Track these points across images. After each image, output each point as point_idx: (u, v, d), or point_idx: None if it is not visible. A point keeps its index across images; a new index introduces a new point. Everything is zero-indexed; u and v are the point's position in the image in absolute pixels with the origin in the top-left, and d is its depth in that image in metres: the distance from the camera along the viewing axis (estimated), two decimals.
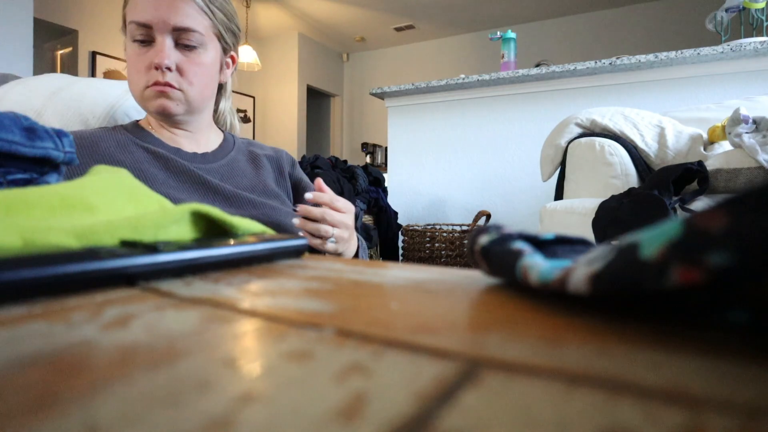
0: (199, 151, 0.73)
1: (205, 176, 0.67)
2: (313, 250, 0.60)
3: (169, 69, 0.64)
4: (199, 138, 0.75)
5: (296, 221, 0.58)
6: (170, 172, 0.65)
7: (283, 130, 5.78)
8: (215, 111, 0.81)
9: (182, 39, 0.64)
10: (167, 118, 0.68)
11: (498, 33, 2.45)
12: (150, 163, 0.65)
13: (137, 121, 0.74)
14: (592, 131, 1.45)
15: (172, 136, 0.72)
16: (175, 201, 0.61)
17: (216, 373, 0.10)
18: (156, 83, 0.64)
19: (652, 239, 0.12)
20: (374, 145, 5.62)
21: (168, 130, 0.72)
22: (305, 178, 0.86)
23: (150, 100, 0.65)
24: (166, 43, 0.63)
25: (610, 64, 1.95)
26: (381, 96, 2.56)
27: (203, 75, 0.68)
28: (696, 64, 1.87)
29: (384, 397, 0.09)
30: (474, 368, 0.11)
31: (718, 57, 1.80)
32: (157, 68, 0.63)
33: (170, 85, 0.65)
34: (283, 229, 0.67)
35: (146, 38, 0.63)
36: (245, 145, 0.82)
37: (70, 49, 4.28)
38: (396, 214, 2.25)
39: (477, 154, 2.36)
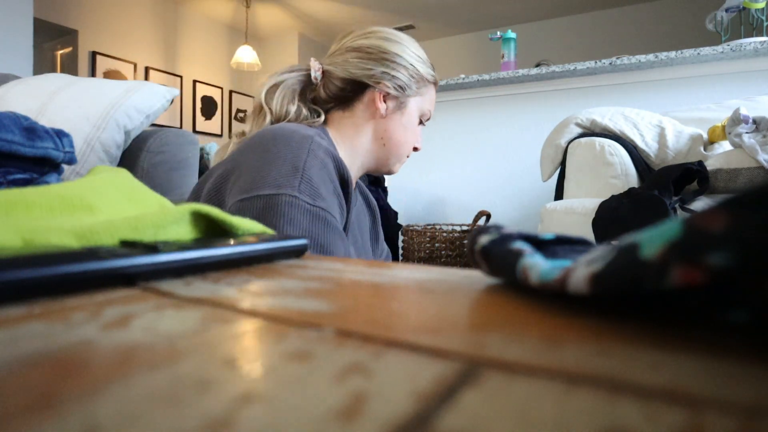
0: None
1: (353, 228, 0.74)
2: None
3: None
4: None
5: None
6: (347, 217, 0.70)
7: None
8: None
9: None
10: (380, 175, 0.80)
11: (498, 33, 2.44)
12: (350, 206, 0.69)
13: (324, 128, 0.75)
14: (592, 131, 1.45)
15: (351, 173, 0.75)
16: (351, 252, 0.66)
17: (216, 373, 0.10)
18: (407, 157, 0.80)
19: (652, 239, 0.12)
20: None
21: (354, 167, 0.76)
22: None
23: (398, 164, 0.79)
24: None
25: (610, 64, 1.94)
26: None
27: None
28: (696, 64, 1.87)
29: (384, 397, 0.09)
30: (474, 368, 0.11)
31: (718, 57, 1.80)
32: (415, 149, 0.79)
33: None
34: None
35: (424, 123, 0.79)
36: (358, 186, 0.85)
37: (70, 49, 4.28)
38: (396, 214, 2.25)
39: (477, 154, 2.36)
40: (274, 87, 0.74)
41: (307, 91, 0.76)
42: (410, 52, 0.73)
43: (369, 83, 0.72)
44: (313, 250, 0.55)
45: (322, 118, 0.74)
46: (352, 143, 0.74)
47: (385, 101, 0.73)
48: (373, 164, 0.77)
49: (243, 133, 0.73)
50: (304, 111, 0.74)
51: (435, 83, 0.78)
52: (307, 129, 0.66)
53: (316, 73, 0.73)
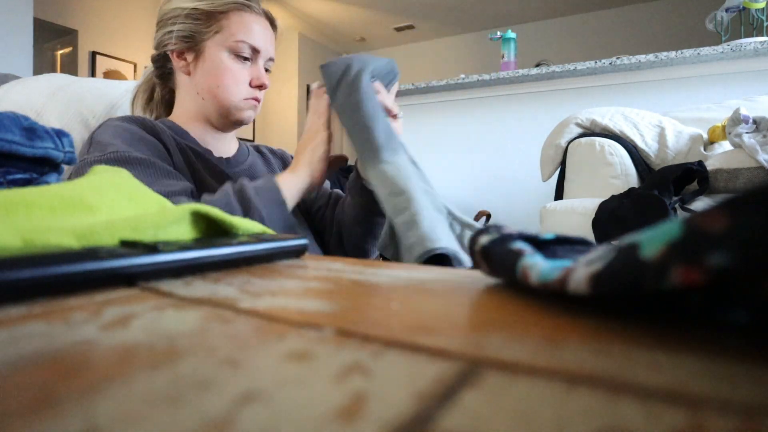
0: (224, 155, 0.76)
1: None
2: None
3: (265, 89, 0.74)
4: (229, 142, 0.79)
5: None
6: (209, 173, 0.69)
7: (283, 130, 5.77)
8: None
9: (267, 65, 0.74)
10: (240, 125, 0.76)
11: (498, 33, 2.44)
12: (198, 163, 0.68)
13: (166, 117, 0.76)
14: (592, 131, 1.45)
15: (204, 137, 0.74)
16: None
17: (216, 373, 0.10)
18: (255, 98, 0.73)
19: (652, 239, 0.12)
20: None
21: (203, 130, 0.74)
22: None
23: (244, 110, 0.72)
24: (263, 67, 0.73)
25: (610, 64, 1.94)
26: None
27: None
28: (696, 64, 1.87)
29: (384, 397, 0.09)
30: (474, 368, 0.11)
31: (718, 57, 1.80)
32: (259, 87, 0.72)
33: (259, 100, 0.74)
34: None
35: (247, 57, 0.71)
36: (253, 148, 0.86)
37: (70, 49, 4.28)
38: None
39: (477, 154, 2.36)
40: (134, 98, 0.79)
41: (155, 91, 0.79)
42: None
43: (164, 51, 0.71)
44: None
45: (152, 116, 0.78)
46: (183, 112, 0.73)
47: (183, 58, 0.70)
48: (214, 119, 0.73)
49: None
50: (150, 113, 0.78)
51: (242, 9, 0.70)
52: (116, 117, 0.68)
53: (150, 65, 0.76)
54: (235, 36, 0.69)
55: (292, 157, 0.88)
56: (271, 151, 0.88)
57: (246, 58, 0.70)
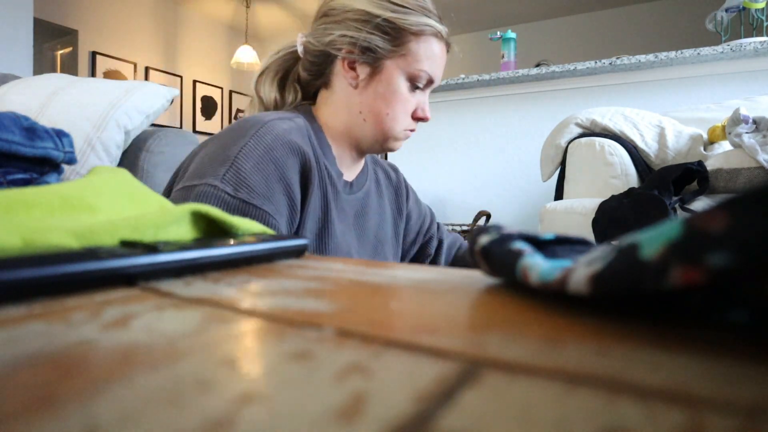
0: (349, 178, 0.69)
1: (349, 215, 0.65)
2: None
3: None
4: (359, 163, 0.71)
5: None
6: (336, 203, 0.63)
7: None
8: None
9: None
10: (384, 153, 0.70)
11: (498, 33, 2.44)
12: (329, 190, 0.62)
13: (311, 112, 0.67)
14: (592, 131, 1.45)
15: (342, 158, 0.67)
16: (339, 243, 0.60)
17: (216, 373, 0.10)
18: (412, 130, 0.67)
19: (652, 239, 0.12)
20: None
21: (344, 150, 0.67)
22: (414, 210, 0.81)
23: (398, 141, 0.66)
24: (427, 98, 0.67)
25: (610, 64, 1.94)
26: None
27: None
28: (696, 64, 1.87)
29: (384, 397, 0.09)
30: (474, 368, 0.11)
31: (718, 57, 1.80)
32: (418, 119, 0.66)
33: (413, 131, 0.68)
34: None
35: (420, 86, 0.64)
36: (372, 164, 0.76)
37: (70, 49, 4.28)
38: None
39: (477, 154, 2.36)
40: (263, 73, 0.68)
41: (291, 72, 0.69)
42: (384, 2, 0.60)
43: (331, 51, 0.61)
44: None
45: (298, 97, 0.68)
46: (335, 124, 0.65)
47: (353, 69, 0.62)
48: (365, 143, 0.66)
49: None
50: (289, 96, 0.68)
51: (436, 35, 0.62)
52: (274, 114, 0.60)
53: (300, 48, 0.66)
54: (420, 64, 0.61)
55: (406, 186, 0.81)
56: (387, 175, 0.79)
57: (419, 87, 0.64)
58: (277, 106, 0.68)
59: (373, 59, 0.61)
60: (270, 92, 0.68)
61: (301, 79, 0.68)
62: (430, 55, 0.62)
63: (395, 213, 0.78)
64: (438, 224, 0.85)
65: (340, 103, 0.64)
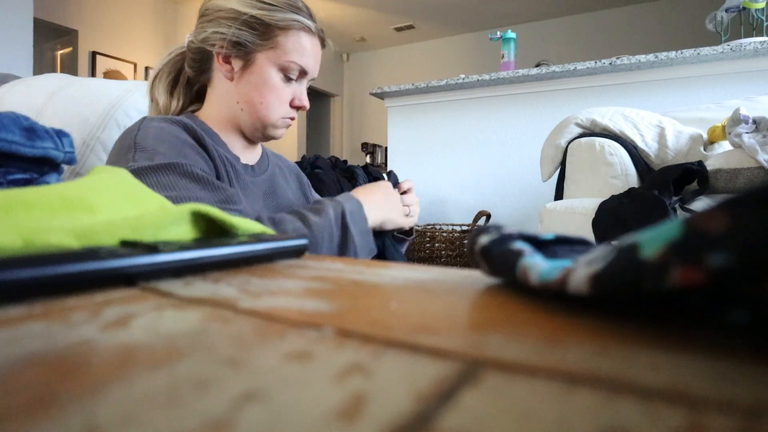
0: (249, 162, 0.74)
1: (258, 195, 0.71)
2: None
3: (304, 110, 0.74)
4: (255, 149, 0.77)
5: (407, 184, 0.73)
6: (238, 182, 0.68)
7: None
8: None
9: (307, 84, 0.73)
10: (268, 140, 0.75)
11: (498, 33, 2.44)
12: (226, 168, 0.67)
13: (193, 114, 0.73)
14: (592, 131, 1.45)
15: (233, 144, 0.72)
16: (248, 213, 0.63)
17: (216, 373, 0.10)
18: (291, 118, 0.72)
19: (652, 240, 0.12)
20: (374, 145, 5.62)
21: (233, 137, 0.72)
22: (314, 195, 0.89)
23: (278, 129, 0.72)
24: (305, 87, 0.73)
25: (610, 64, 1.94)
26: (381, 96, 2.56)
27: None
28: (696, 64, 1.87)
29: (384, 397, 0.09)
30: (474, 368, 0.11)
31: (718, 57, 1.80)
32: (296, 108, 0.71)
33: (293, 120, 0.74)
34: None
35: (293, 77, 0.69)
36: (273, 157, 0.84)
37: (70, 49, 4.28)
38: None
39: (477, 154, 2.36)
40: (156, 77, 0.73)
41: (182, 72, 0.74)
42: (252, 0, 0.65)
43: (206, 47, 0.67)
44: (174, 201, 0.53)
45: (184, 102, 0.74)
46: (219, 115, 0.70)
47: (228, 63, 0.67)
48: (247, 131, 0.71)
49: None
50: (175, 100, 0.73)
51: (305, 30, 0.67)
52: (152, 119, 0.64)
53: (185, 48, 0.72)
54: (289, 56, 0.67)
55: (307, 177, 0.89)
56: (287, 166, 0.86)
57: (288, 78, 0.69)
58: (167, 110, 0.74)
59: (244, 53, 0.66)
60: (162, 95, 0.73)
61: (190, 77, 0.73)
62: (299, 48, 0.67)
63: (303, 198, 0.85)
64: None
65: (221, 95, 0.70)
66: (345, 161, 2.28)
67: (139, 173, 0.54)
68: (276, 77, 0.68)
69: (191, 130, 0.62)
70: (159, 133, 0.59)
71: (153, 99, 0.73)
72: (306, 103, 0.71)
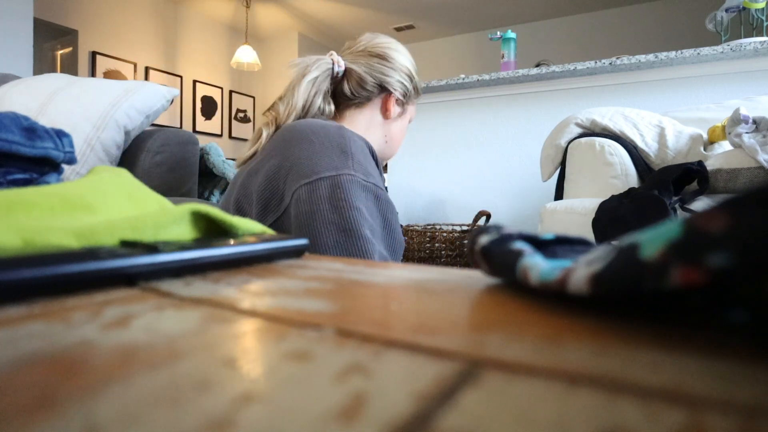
0: None
1: None
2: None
3: None
4: None
5: None
6: None
7: None
8: None
9: None
10: None
11: (498, 33, 2.44)
12: None
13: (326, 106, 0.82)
14: (592, 131, 1.45)
15: None
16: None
17: (216, 373, 0.10)
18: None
19: (652, 240, 0.12)
20: None
21: None
22: None
23: (388, 159, 0.88)
24: None
25: (610, 64, 1.94)
26: None
27: None
28: (696, 64, 1.87)
29: (384, 397, 0.09)
30: (474, 368, 0.11)
31: (718, 57, 1.80)
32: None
33: None
34: None
35: None
36: None
37: (70, 49, 4.28)
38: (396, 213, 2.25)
39: (477, 154, 2.36)
40: (312, 80, 0.79)
41: (326, 84, 0.82)
42: (411, 65, 0.83)
43: (388, 88, 0.80)
44: (382, 229, 0.62)
45: (332, 111, 0.81)
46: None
47: (387, 100, 0.81)
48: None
49: (275, 120, 0.76)
50: (327, 106, 0.80)
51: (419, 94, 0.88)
52: (330, 122, 0.72)
53: (339, 69, 0.79)
54: (414, 114, 0.89)
55: None
56: None
57: None
58: (309, 111, 0.80)
59: (405, 102, 0.84)
60: (313, 99, 0.79)
61: (340, 94, 0.81)
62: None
63: None
64: None
65: (372, 123, 0.82)
66: None
67: (356, 183, 0.61)
68: (404, 126, 0.87)
69: (372, 150, 0.70)
70: (364, 151, 0.67)
71: (304, 99, 0.77)
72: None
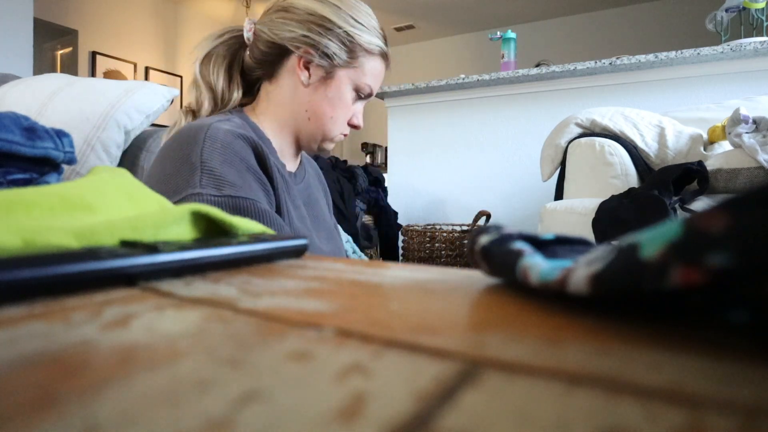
0: (291, 169, 0.73)
1: (300, 205, 0.70)
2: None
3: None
4: (297, 156, 0.76)
5: None
6: (287, 193, 0.66)
7: None
8: None
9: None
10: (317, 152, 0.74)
11: (498, 33, 2.44)
12: (281, 185, 0.65)
13: (243, 109, 0.70)
14: (592, 131, 1.45)
15: (282, 151, 0.70)
16: (297, 227, 0.63)
17: (216, 373, 0.10)
18: (344, 135, 0.72)
19: (652, 240, 0.12)
20: (374, 145, 5.62)
21: (284, 145, 0.71)
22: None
23: (332, 143, 0.71)
24: (362, 108, 0.72)
25: (610, 64, 1.94)
26: (381, 96, 2.56)
27: None
28: (696, 64, 1.87)
29: (384, 397, 0.09)
30: (474, 368, 0.11)
31: (718, 57, 1.80)
32: (354, 126, 0.71)
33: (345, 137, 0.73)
34: None
35: (362, 97, 0.70)
36: (306, 160, 0.81)
37: (70, 49, 4.28)
38: (396, 214, 2.25)
39: (477, 154, 2.36)
40: (209, 57, 0.68)
41: (237, 58, 0.70)
42: (346, 16, 0.64)
43: (289, 47, 0.64)
44: None
45: (237, 95, 0.70)
46: (277, 116, 0.68)
47: (307, 69, 0.66)
48: (304, 140, 0.70)
49: (189, 109, 0.69)
50: (234, 91, 0.69)
51: (382, 56, 0.69)
52: (211, 118, 0.62)
53: (248, 34, 0.68)
54: (366, 78, 0.68)
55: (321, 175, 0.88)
56: (314, 167, 0.84)
57: (360, 98, 0.70)
58: (224, 98, 0.69)
59: (328, 65, 0.65)
60: (219, 80, 0.68)
61: (245, 65, 0.70)
62: (376, 72, 0.69)
63: (325, 200, 0.84)
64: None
65: (287, 97, 0.67)
66: (345, 161, 2.28)
67: (208, 203, 0.52)
68: (349, 95, 0.68)
69: (256, 148, 0.59)
70: (226, 153, 0.56)
71: (206, 83, 0.68)
72: (361, 122, 0.72)
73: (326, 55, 0.64)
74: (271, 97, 0.69)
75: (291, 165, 0.72)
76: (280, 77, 0.67)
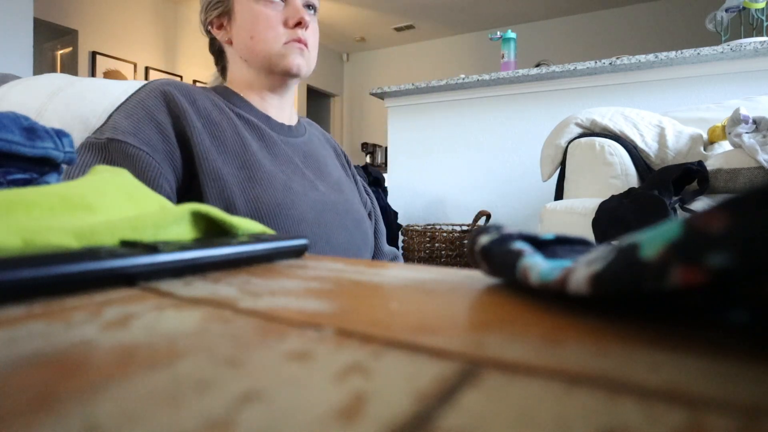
0: (286, 122, 0.72)
1: (293, 157, 0.68)
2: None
3: (306, 27, 0.66)
4: (286, 108, 0.74)
5: None
6: (263, 142, 0.65)
7: None
8: None
9: (308, 2, 0.68)
10: (292, 78, 0.70)
11: (498, 33, 2.44)
12: (245, 130, 0.64)
13: (223, 83, 0.74)
14: (592, 131, 1.44)
15: (262, 102, 0.70)
16: (270, 172, 0.61)
17: (216, 373, 0.10)
18: (298, 40, 0.65)
19: (652, 240, 0.12)
20: (374, 145, 5.63)
21: (259, 95, 0.70)
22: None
23: (288, 57, 0.66)
24: (300, 4, 0.67)
25: (610, 64, 1.94)
26: (381, 96, 2.56)
27: (317, 40, 0.71)
28: (696, 64, 1.87)
29: (384, 397, 0.09)
30: (474, 368, 0.11)
31: (718, 57, 1.80)
32: (296, 25, 0.65)
33: (306, 45, 0.67)
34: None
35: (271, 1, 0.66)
36: (308, 124, 0.81)
37: (70, 49, 4.29)
38: (396, 214, 2.25)
39: (477, 154, 2.36)
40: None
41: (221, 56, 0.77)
42: None
43: (205, 29, 0.71)
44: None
45: (218, 75, 0.76)
46: (235, 75, 0.71)
47: (222, 29, 0.69)
48: (261, 78, 0.69)
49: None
50: (219, 68, 0.76)
51: None
52: (163, 83, 0.64)
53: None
54: None
55: (344, 153, 0.86)
56: (324, 134, 0.84)
57: (273, 1, 0.65)
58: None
59: (225, 8, 0.67)
60: (218, 75, 0.77)
61: (218, 70, 0.77)
62: None
63: (343, 168, 0.81)
64: (376, 220, 0.86)
65: (231, 64, 0.71)
66: None
67: (83, 147, 0.53)
68: (256, 7, 0.65)
69: (170, 103, 0.58)
70: (134, 108, 0.57)
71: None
72: (301, 15, 0.65)
73: (217, 4, 0.67)
74: (228, 66, 0.72)
75: (279, 115, 0.72)
76: (226, 53, 0.72)
